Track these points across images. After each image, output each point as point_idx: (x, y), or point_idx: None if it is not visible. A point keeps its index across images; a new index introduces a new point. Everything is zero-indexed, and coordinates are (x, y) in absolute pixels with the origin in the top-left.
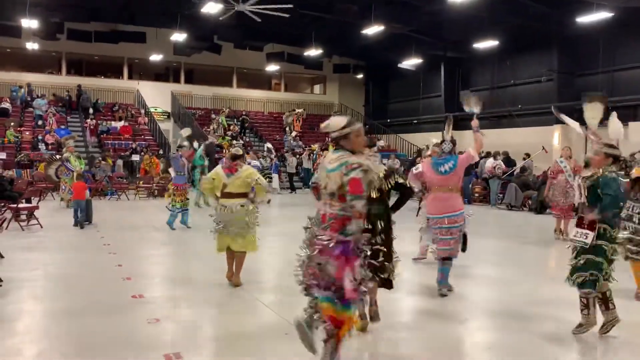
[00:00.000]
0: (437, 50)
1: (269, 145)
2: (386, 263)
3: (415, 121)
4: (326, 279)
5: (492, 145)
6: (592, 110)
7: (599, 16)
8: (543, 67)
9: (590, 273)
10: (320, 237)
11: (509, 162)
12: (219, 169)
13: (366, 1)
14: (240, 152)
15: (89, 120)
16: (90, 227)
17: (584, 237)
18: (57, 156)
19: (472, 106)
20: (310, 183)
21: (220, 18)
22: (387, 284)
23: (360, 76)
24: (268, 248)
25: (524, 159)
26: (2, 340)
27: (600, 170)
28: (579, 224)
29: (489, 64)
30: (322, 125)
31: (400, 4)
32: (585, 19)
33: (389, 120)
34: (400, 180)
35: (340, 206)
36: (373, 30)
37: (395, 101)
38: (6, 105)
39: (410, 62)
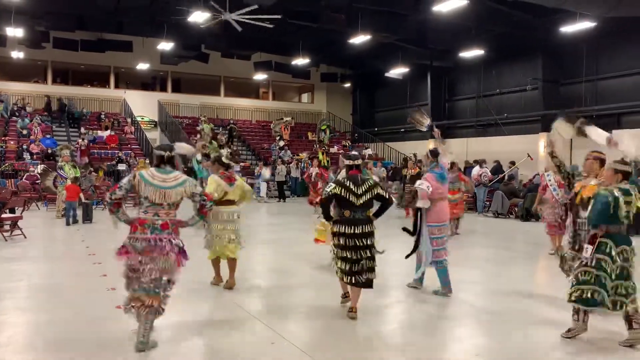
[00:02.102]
0: (423, 59)
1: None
2: (370, 265)
3: (402, 130)
4: None
5: (479, 154)
6: (564, 128)
7: (582, 26)
8: (528, 76)
9: (591, 287)
10: None
11: (499, 170)
12: (218, 178)
13: (353, 10)
14: (233, 160)
15: (80, 141)
16: (75, 235)
17: (585, 251)
18: (42, 167)
19: (422, 123)
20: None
21: (203, 26)
22: (368, 284)
23: (347, 85)
24: (261, 255)
25: (510, 167)
26: None
27: (610, 185)
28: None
29: (474, 72)
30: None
31: (387, 13)
32: (569, 28)
33: (376, 129)
34: (382, 192)
35: None
36: (360, 39)
37: (382, 110)
38: None
39: (397, 71)
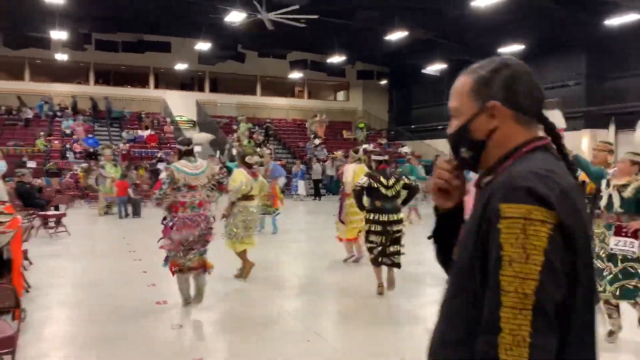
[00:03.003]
0: (461, 55)
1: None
2: (396, 249)
3: (440, 127)
4: None
5: None
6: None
7: (628, 18)
8: (570, 71)
9: (637, 280)
10: None
11: None
12: (245, 172)
13: (389, 7)
14: (254, 159)
15: (121, 145)
16: (116, 232)
17: (631, 245)
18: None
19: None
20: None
21: (239, 25)
22: (396, 265)
23: (384, 82)
24: (294, 254)
25: None
26: (29, 345)
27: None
28: (618, 233)
29: None
30: None
31: (424, 10)
32: (615, 21)
33: (413, 126)
34: (408, 182)
35: None
36: (396, 36)
37: (419, 107)
38: (29, 115)
39: (434, 68)
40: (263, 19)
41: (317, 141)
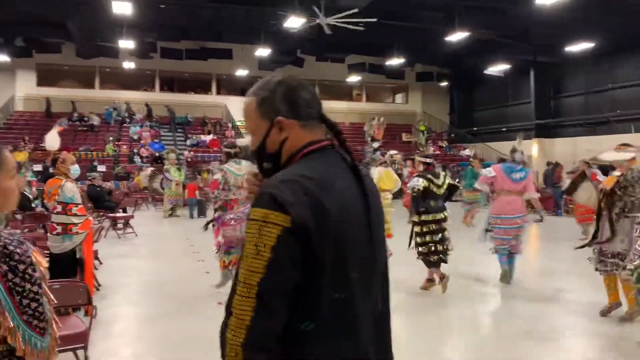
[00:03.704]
0: (525, 54)
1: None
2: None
3: (504, 129)
4: None
5: (588, 153)
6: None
7: None
8: None
9: None
10: None
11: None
12: None
13: (450, 8)
14: None
15: (186, 153)
16: (181, 233)
17: None
18: (151, 168)
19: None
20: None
21: (298, 30)
22: (444, 261)
23: (444, 84)
24: None
25: None
26: (99, 341)
27: None
28: None
29: (583, 67)
30: None
31: (486, 9)
32: None
33: (475, 129)
34: (452, 182)
35: None
36: (457, 36)
37: (481, 109)
38: (95, 121)
39: (497, 68)
40: (322, 24)
41: (375, 144)
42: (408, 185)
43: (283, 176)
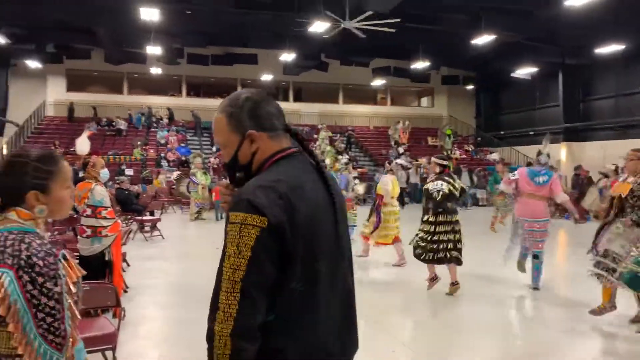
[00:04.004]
0: (553, 57)
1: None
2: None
3: (531, 132)
4: None
5: (619, 158)
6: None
7: None
8: None
9: None
10: None
11: None
12: None
13: (475, 10)
14: None
15: (212, 159)
16: (207, 236)
17: None
18: (177, 173)
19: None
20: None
21: (326, 36)
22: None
23: (470, 87)
24: (383, 264)
25: None
26: (127, 342)
27: None
28: None
29: (614, 69)
30: None
31: (513, 12)
32: None
33: (502, 132)
34: (463, 186)
35: None
36: (483, 40)
37: (508, 112)
38: (122, 125)
39: (525, 71)
40: (346, 28)
41: (400, 149)
42: (430, 188)
43: (257, 183)
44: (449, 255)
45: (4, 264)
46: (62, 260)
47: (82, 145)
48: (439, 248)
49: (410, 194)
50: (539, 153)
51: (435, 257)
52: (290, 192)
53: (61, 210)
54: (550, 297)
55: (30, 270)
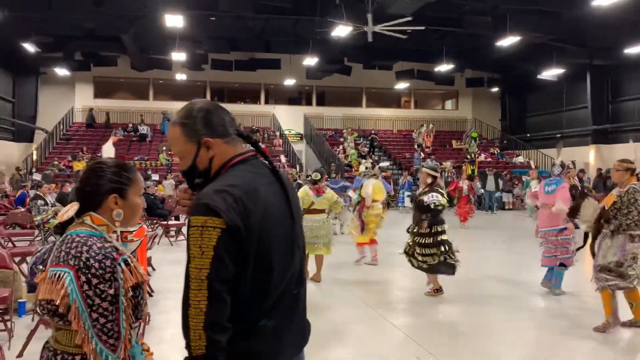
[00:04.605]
0: (581, 58)
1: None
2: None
3: (558, 135)
4: None
5: None
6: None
7: None
8: None
9: None
10: None
11: None
12: (307, 189)
13: (500, 12)
14: (319, 176)
15: None
16: None
17: None
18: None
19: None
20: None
21: (347, 39)
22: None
23: (495, 89)
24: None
25: None
26: (152, 347)
27: None
28: None
29: None
30: None
31: (538, 12)
32: None
33: (528, 135)
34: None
35: None
36: (508, 41)
37: (534, 114)
38: (144, 130)
39: (551, 73)
40: (369, 32)
41: (422, 155)
42: (426, 200)
43: (215, 187)
44: (443, 263)
45: (67, 264)
46: (122, 265)
47: (108, 151)
48: (435, 257)
49: None
50: (553, 164)
51: (433, 267)
52: (244, 196)
53: (134, 217)
54: (574, 302)
55: (87, 271)
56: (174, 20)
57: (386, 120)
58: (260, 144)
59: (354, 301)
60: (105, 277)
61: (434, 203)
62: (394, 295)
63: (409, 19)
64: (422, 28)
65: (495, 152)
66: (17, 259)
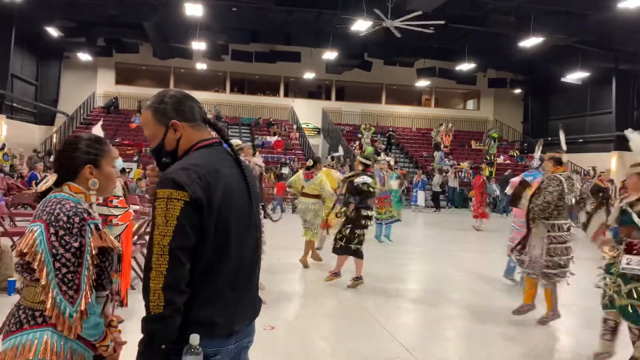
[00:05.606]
0: (606, 62)
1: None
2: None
3: (580, 140)
4: None
5: None
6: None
7: None
8: None
9: None
10: None
11: None
12: (300, 174)
13: (524, 12)
14: (312, 163)
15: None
16: None
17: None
18: None
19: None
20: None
21: (365, 34)
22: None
23: (518, 91)
24: (411, 267)
25: None
26: (134, 334)
27: None
28: (630, 251)
29: None
30: None
31: (563, 14)
32: None
33: (550, 139)
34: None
35: None
36: (532, 42)
37: (557, 118)
38: None
39: (576, 76)
40: (389, 27)
41: (439, 153)
42: (356, 181)
43: (180, 165)
44: (358, 248)
45: (40, 219)
46: (92, 227)
47: (97, 132)
48: (354, 240)
49: (448, 198)
50: (532, 158)
51: (352, 249)
52: (207, 174)
53: (108, 186)
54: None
55: (56, 224)
56: (194, 9)
57: (405, 117)
58: (276, 136)
59: (343, 293)
60: (72, 232)
61: (364, 183)
62: (390, 293)
63: (421, 13)
64: (442, 22)
65: (515, 154)
66: (16, 238)
